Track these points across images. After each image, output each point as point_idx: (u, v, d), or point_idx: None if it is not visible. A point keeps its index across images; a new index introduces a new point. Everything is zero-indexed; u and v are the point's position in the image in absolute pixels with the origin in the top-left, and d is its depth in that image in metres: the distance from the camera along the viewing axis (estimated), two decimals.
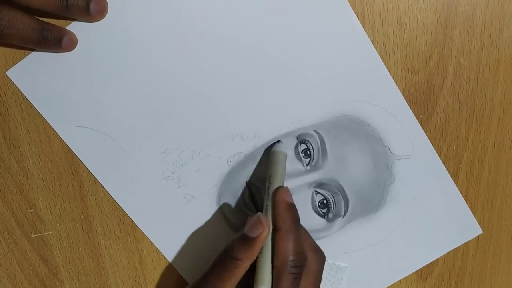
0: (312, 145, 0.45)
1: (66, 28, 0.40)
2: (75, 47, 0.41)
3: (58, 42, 0.40)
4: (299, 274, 0.38)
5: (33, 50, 0.41)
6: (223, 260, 0.39)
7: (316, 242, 0.47)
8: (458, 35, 0.44)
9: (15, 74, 0.41)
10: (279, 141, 0.44)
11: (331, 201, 0.46)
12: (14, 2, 0.37)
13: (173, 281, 0.47)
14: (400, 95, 0.45)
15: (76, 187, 0.45)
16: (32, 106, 0.42)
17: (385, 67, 0.44)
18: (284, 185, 0.45)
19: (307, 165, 0.45)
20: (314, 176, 0.45)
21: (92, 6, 0.39)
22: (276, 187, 0.41)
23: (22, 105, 0.42)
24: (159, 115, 0.43)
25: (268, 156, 0.44)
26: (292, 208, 0.40)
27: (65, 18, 0.40)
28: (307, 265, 0.39)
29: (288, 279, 0.38)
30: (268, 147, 0.44)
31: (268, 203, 0.41)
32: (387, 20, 0.43)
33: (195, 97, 0.43)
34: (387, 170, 0.46)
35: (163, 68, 0.42)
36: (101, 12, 0.40)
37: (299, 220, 0.40)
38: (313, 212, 0.46)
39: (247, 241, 0.38)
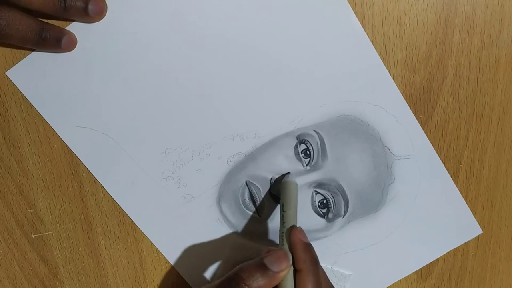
0: (312, 145, 0.45)
1: (66, 28, 0.40)
2: (75, 47, 0.41)
3: (58, 42, 0.40)
4: None
5: (33, 50, 0.41)
6: (234, 285, 0.36)
7: (316, 242, 0.47)
8: (458, 35, 0.44)
9: (14, 74, 0.41)
10: (288, 172, 0.45)
11: (331, 201, 0.46)
12: (13, 2, 0.37)
13: (173, 281, 0.47)
14: (400, 95, 0.45)
15: (76, 187, 0.45)
16: (32, 106, 0.42)
17: (385, 67, 0.44)
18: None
19: (307, 165, 0.45)
20: (314, 176, 0.45)
21: (91, 7, 0.39)
22: (290, 214, 0.40)
23: (22, 105, 0.42)
24: (159, 115, 0.43)
25: (280, 186, 0.44)
26: (309, 248, 0.38)
27: (64, 19, 0.40)
28: None
29: None
30: (279, 178, 0.45)
31: (284, 231, 0.40)
32: (387, 20, 0.43)
33: (195, 97, 0.43)
34: (387, 170, 0.46)
35: (163, 68, 0.42)
36: (100, 13, 0.40)
37: (317, 260, 0.39)
38: (313, 212, 0.46)
39: (266, 273, 0.36)
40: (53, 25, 0.40)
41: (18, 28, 0.38)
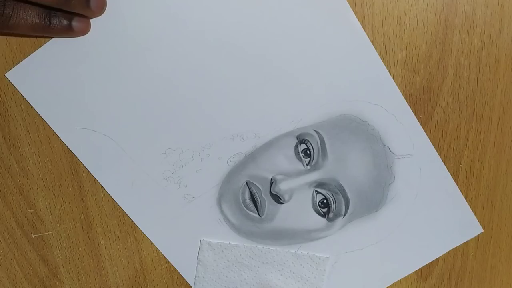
0: (312, 144, 0.45)
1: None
2: (89, 31, 0.40)
3: (69, 26, 0.39)
4: None
5: (44, 38, 0.40)
6: None
7: (317, 241, 0.47)
8: (458, 35, 0.44)
9: (14, 75, 0.41)
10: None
11: (331, 200, 0.46)
12: None
13: (173, 281, 0.47)
14: (400, 94, 0.45)
15: (76, 187, 0.44)
16: (32, 106, 0.42)
17: (385, 67, 0.44)
18: (285, 186, 0.45)
19: (307, 165, 0.45)
20: (314, 176, 0.45)
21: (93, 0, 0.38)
22: None
23: (22, 106, 0.42)
24: (159, 115, 0.43)
25: None
26: None
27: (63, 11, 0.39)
28: None
29: None
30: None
31: None
32: (387, 20, 0.43)
33: (195, 97, 0.43)
34: (387, 170, 0.46)
35: (162, 68, 0.42)
36: (101, 7, 0.39)
37: None
38: (314, 211, 0.46)
39: None
40: (60, 11, 0.38)
41: (25, 15, 0.37)
